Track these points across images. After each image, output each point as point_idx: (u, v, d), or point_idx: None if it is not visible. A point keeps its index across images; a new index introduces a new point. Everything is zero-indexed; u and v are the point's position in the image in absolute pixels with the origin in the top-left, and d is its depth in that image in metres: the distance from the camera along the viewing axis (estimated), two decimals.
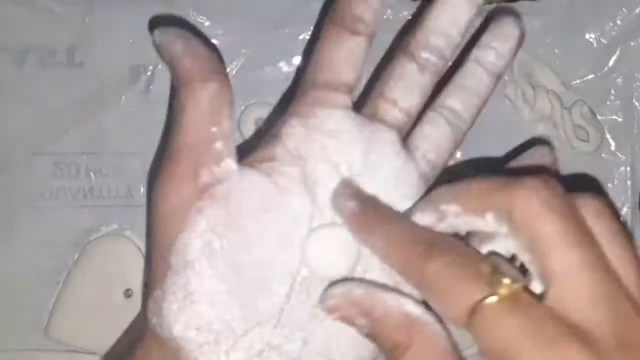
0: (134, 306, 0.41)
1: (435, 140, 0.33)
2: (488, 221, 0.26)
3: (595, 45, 0.43)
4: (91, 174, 0.42)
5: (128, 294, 0.42)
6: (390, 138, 0.32)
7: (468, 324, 0.24)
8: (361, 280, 0.29)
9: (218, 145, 0.30)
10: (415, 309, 0.27)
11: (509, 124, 0.43)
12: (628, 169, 0.43)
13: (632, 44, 0.43)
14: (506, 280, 0.23)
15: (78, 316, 0.41)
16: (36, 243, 0.42)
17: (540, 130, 0.43)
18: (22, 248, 0.42)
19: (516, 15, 0.36)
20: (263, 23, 0.43)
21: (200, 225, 0.29)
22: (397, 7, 0.43)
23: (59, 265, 0.42)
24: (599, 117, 0.43)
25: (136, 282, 0.42)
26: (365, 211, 0.29)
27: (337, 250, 0.30)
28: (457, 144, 0.34)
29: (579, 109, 0.43)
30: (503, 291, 0.23)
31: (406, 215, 0.29)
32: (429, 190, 0.31)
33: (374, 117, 0.33)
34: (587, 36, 0.43)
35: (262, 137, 0.34)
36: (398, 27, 0.43)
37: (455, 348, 0.26)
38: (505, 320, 0.23)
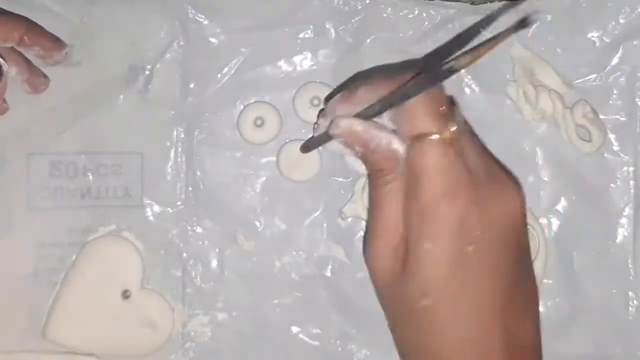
0: (132, 307, 0.41)
1: None
2: None
3: (597, 44, 0.43)
4: (89, 174, 0.42)
5: (126, 294, 0.41)
6: None
7: (410, 144, 0.32)
8: (363, 117, 0.33)
9: None
10: (400, 147, 0.32)
11: (511, 124, 0.43)
12: (631, 169, 0.43)
13: (634, 42, 0.43)
14: (453, 127, 0.31)
15: (76, 317, 0.41)
16: (33, 244, 0.42)
17: (542, 129, 0.43)
18: (19, 249, 0.42)
19: None
20: (263, 22, 0.43)
21: None
22: (398, 6, 0.43)
23: (56, 266, 0.42)
24: (601, 117, 0.43)
25: (134, 283, 0.42)
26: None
27: None
28: None
29: (581, 108, 0.42)
30: (445, 135, 0.31)
31: None
32: None
33: None
34: (589, 35, 0.43)
35: None
36: (398, 25, 0.43)
37: None
38: (441, 153, 0.31)
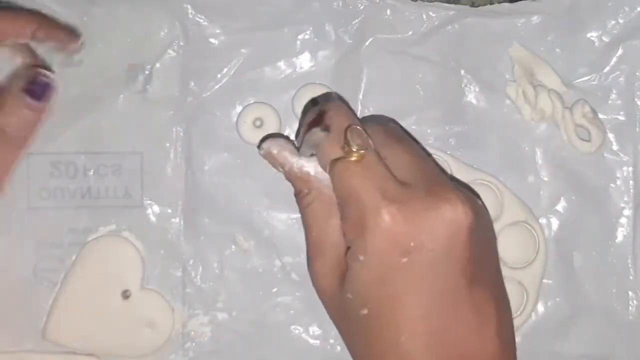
0: (132, 307, 0.41)
1: None
2: None
3: (596, 44, 0.43)
4: (89, 174, 0.42)
5: (126, 295, 0.41)
6: None
7: (330, 172, 0.34)
8: (280, 141, 0.37)
9: None
10: (312, 169, 0.35)
11: (510, 124, 0.43)
12: (630, 169, 0.43)
13: (634, 42, 0.43)
14: (354, 148, 0.33)
15: (76, 318, 0.41)
16: (33, 244, 0.42)
17: (542, 129, 0.43)
18: (20, 249, 0.42)
19: None
20: (263, 22, 0.43)
21: None
22: (397, 7, 0.43)
23: (56, 266, 0.42)
24: (600, 117, 0.43)
25: (134, 283, 0.42)
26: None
27: None
28: None
29: (581, 108, 0.43)
30: (352, 155, 0.33)
31: None
32: None
33: None
34: (588, 35, 0.43)
35: None
36: (398, 27, 0.43)
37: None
38: (349, 172, 0.33)
